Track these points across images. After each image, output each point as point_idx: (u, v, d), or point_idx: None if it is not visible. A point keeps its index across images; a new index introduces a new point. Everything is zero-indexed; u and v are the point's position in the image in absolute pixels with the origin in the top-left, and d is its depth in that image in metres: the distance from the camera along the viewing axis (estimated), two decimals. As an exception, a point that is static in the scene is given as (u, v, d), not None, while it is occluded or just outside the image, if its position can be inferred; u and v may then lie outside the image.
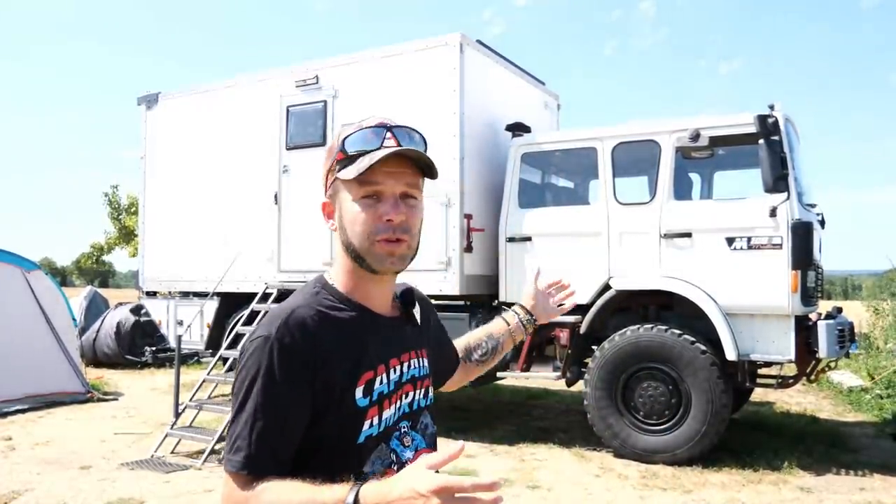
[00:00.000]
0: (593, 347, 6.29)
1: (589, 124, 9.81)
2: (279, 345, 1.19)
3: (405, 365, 1.35)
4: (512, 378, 7.08)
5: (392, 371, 1.31)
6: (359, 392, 1.24)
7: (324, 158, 1.34)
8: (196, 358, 11.45)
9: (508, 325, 1.84)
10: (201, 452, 5.92)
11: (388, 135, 1.26)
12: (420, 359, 1.41)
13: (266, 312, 6.81)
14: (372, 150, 1.24)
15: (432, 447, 1.40)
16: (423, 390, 1.41)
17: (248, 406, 1.18)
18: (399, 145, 1.25)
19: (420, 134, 1.31)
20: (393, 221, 1.24)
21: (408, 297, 1.44)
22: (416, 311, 1.45)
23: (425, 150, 1.29)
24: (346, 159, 1.26)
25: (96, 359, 11.70)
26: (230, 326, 7.55)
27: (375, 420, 1.26)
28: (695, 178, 6.76)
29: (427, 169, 1.29)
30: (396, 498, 1.01)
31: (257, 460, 1.16)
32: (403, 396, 1.34)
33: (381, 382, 1.28)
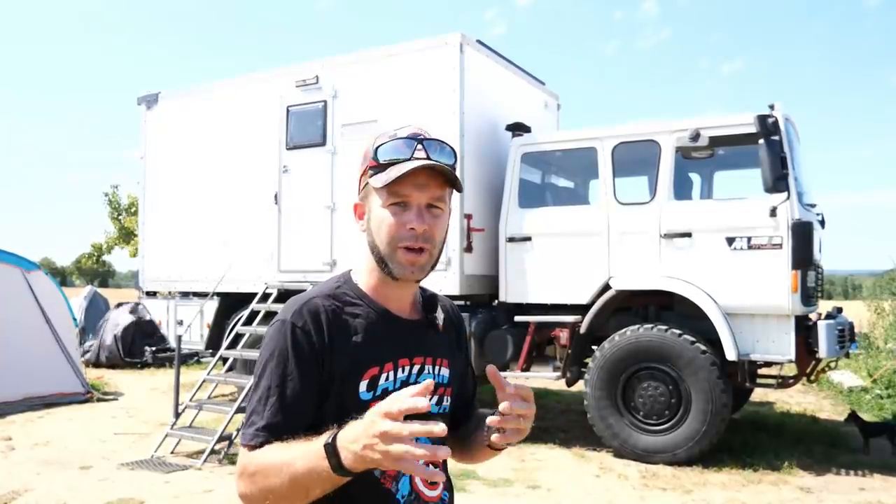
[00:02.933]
0: (593, 347, 6.29)
1: (589, 124, 9.83)
2: (292, 329, 1.28)
3: (416, 367, 1.37)
4: (512, 378, 7.05)
5: (400, 370, 1.34)
6: (363, 386, 1.29)
7: (358, 162, 1.38)
8: (196, 358, 11.46)
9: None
10: (201, 452, 5.92)
11: (419, 147, 1.29)
12: (438, 367, 1.42)
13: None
14: (402, 161, 1.28)
15: None
16: (435, 398, 1.41)
17: (262, 384, 1.28)
18: (429, 158, 1.28)
19: (450, 147, 1.35)
20: (416, 230, 1.28)
21: (430, 303, 1.46)
22: (440, 318, 1.45)
23: (454, 163, 1.33)
24: (378, 167, 1.30)
25: (98, 361, 11.71)
26: (230, 326, 7.55)
27: None
28: (695, 178, 6.77)
29: (453, 182, 1.33)
30: (362, 430, 1.07)
31: (268, 434, 1.24)
32: None
33: (387, 379, 1.32)
